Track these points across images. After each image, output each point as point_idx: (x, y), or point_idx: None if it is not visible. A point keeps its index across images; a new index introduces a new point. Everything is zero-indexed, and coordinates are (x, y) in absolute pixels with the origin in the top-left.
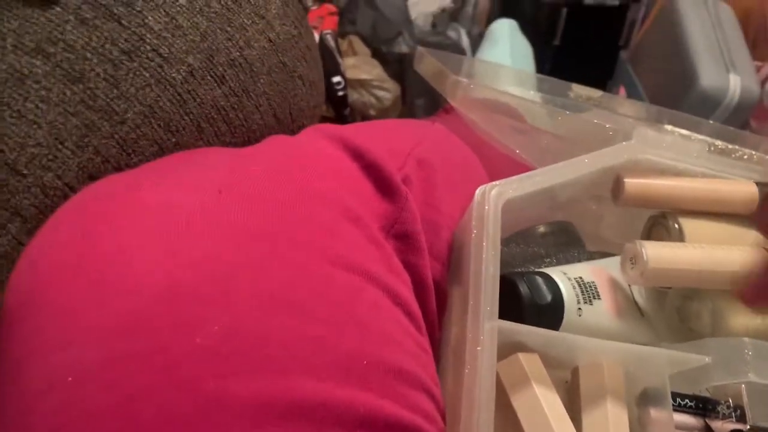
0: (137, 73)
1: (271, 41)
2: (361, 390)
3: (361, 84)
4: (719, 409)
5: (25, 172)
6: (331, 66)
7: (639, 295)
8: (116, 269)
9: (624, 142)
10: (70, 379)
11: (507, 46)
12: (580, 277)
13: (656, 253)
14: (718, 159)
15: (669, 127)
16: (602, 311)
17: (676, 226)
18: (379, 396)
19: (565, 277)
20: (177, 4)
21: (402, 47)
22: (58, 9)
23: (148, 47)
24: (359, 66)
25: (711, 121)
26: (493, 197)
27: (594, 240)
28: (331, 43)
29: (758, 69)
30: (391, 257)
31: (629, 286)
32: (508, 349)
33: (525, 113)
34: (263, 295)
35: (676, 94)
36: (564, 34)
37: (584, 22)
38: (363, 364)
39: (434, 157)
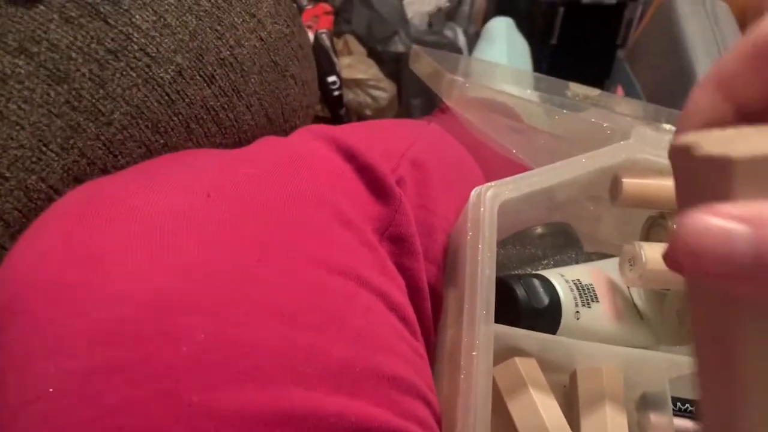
0: (124, 72)
1: (262, 40)
2: (354, 398)
3: (357, 84)
4: None
5: (7, 174)
6: (326, 66)
7: (638, 297)
8: (99, 276)
9: (622, 142)
10: (51, 390)
11: (504, 45)
12: (578, 280)
13: (655, 254)
14: None
15: (667, 126)
16: (601, 314)
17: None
18: (372, 404)
19: (562, 279)
20: (165, 2)
21: (398, 46)
22: (42, 7)
23: (136, 46)
24: (355, 65)
25: None
26: (489, 198)
27: (592, 241)
28: (327, 42)
29: None
30: (384, 261)
31: (628, 288)
32: (504, 353)
33: (522, 112)
34: (251, 302)
35: (674, 92)
36: (561, 32)
37: (581, 20)
38: (355, 372)
39: (429, 158)
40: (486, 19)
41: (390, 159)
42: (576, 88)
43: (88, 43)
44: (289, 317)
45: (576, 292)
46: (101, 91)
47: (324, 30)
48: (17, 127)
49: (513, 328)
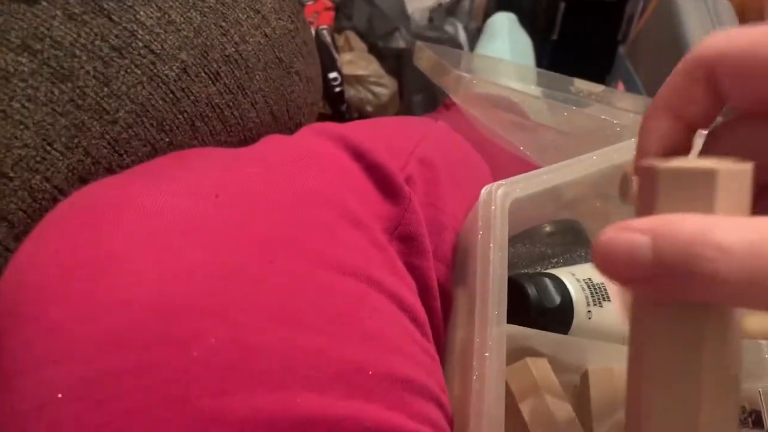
0: (128, 70)
1: (267, 36)
2: (367, 402)
3: (358, 80)
4: None
5: (11, 174)
6: (327, 62)
7: None
8: (106, 279)
9: (632, 139)
10: (59, 395)
11: (506, 40)
12: (590, 278)
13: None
14: None
15: None
16: (613, 313)
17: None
18: (386, 407)
19: (573, 278)
20: None
21: (399, 42)
22: (45, 4)
23: (140, 43)
24: (356, 62)
25: None
26: (500, 197)
27: None
28: (328, 38)
29: None
30: (394, 261)
31: None
32: (516, 353)
33: (528, 109)
34: (261, 306)
35: None
36: (562, 28)
37: (582, 16)
38: (368, 375)
39: (437, 156)
40: (486, 14)
41: (398, 157)
42: (580, 85)
43: (92, 40)
44: (300, 320)
45: (588, 291)
46: (106, 89)
47: (325, 26)
48: (21, 126)
49: (525, 328)
